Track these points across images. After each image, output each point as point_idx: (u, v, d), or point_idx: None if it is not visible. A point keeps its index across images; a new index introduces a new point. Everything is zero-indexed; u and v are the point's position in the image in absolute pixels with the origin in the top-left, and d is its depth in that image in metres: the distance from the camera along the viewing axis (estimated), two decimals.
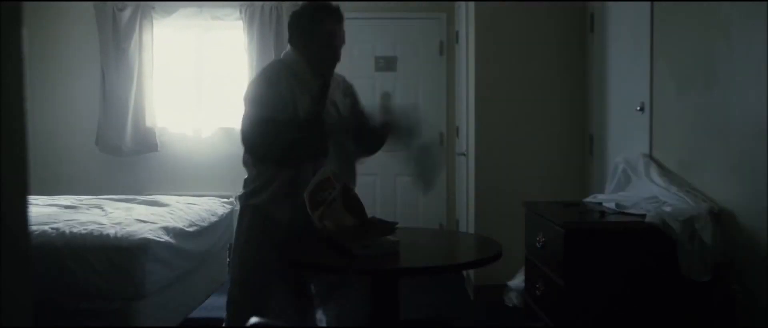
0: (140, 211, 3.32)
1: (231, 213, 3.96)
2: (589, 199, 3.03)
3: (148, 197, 3.95)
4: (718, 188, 2.47)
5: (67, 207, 3.42)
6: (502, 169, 4.11)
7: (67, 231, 2.79)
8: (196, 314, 3.75)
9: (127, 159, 5.44)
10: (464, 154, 4.59)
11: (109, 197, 3.92)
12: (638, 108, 3.13)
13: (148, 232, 2.81)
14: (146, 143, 5.38)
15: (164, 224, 3.03)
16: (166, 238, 2.88)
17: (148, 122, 5.39)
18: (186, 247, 3.14)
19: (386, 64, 5.42)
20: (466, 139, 4.51)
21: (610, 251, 2.44)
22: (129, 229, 2.82)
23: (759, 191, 2.18)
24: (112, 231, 2.78)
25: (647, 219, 2.43)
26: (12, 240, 0.86)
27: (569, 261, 2.44)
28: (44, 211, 3.26)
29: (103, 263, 2.69)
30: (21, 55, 0.89)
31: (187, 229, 3.19)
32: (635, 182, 2.91)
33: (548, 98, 4.10)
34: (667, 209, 2.46)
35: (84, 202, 3.62)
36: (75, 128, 5.50)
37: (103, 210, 3.33)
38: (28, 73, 0.88)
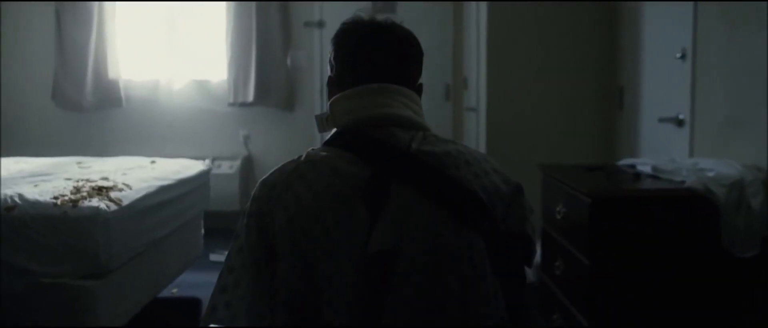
0: (94, 175, 3.21)
1: (206, 175, 3.92)
2: (622, 163, 2.95)
3: (106, 158, 3.85)
4: None
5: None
6: (517, 126, 4.04)
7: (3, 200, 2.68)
8: (167, 292, 3.71)
9: (88, 115, 5.43)
10: (474, 110, 4.52)
11: (60, 158, 3.82)
12: (679, 55, 3.03)
13: (98, 200, 2.71)
14: (109, 97, 5.36)
15: (123, 190, 2.93)
16: (122, 206, 2.78)
17: (111, 74, 5.35)
18: (150, 216, 3.05)
19: (384, 6, 5.35)
20: (476, 92, 4.44)
21: (643, 222, 2.36)
22: (77, 196, 2.72)
23: None
24: (58, 200, 2.67)
25: (687, 185, 2.36)
26: None
27: (596, 235, 2.37)
28: None
29: (48, 237, 2.60)
30: None
31: (152, 194, 3.09)
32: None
33: (571, 44, 4.01)
34: (710, 174, 2.39)
35: (28, 164, 3.53)
36: (27, 81, 5.46)
37: (49, 175, 3.23)
38: None
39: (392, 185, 1.22)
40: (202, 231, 4.03)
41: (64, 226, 2.61)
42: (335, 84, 1.39)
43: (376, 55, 1.36)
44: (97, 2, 5.22)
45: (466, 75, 5.03)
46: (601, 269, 2.37)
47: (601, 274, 2.37)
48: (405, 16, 5.37)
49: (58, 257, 2.62)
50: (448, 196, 1.23)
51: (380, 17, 1.39)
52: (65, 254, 2.62)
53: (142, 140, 5.39)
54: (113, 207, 2.72)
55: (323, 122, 1.38)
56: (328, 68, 1.43)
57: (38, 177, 3.17)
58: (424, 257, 1.20)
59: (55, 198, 2.70)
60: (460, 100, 5.27)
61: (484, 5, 4.12)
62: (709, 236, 2.31)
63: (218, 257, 4.44)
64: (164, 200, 3.21)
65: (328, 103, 1.38)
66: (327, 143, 1.33)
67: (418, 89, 1.42)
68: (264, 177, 1.31)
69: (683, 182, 2.40)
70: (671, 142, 3.12)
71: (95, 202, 2.70)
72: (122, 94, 5.37)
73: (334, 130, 1.36)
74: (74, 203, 2.66)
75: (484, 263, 1.23)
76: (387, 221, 1.19)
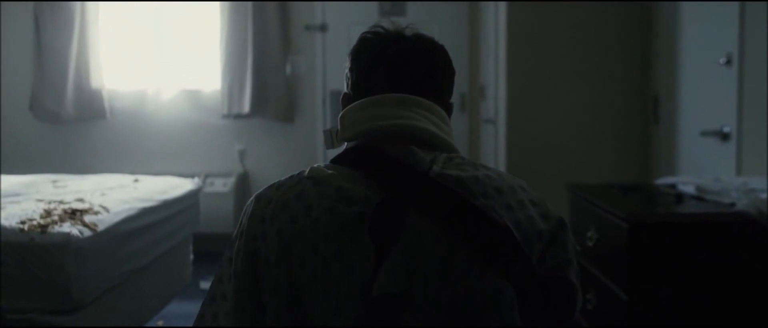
0: (69, 195, 3.18)
1: (195, 195, 3.91)
2: (660, 182, 2.90)
3: (85, 176, 3.84)
4: None
5: None
6: (540, 140, 4.02)
7: None
8: (151, 325, 3.67)
9: (69, 128, 5.44)
10: (492, 122, 4.50)
11: (34, 176, 3.80)
12: (723, 61, 2.98)
13: (71, 225, 2.66)
14: (92, 109, 5.37)
15: (99, 213, 2.89)
16: (98, 231, 2.74)
17: (94, 83, 5.36)
18: (131, 242, 3.02)
19: (393, 7, 5.40)
20: (495, 102, 4.41)
21: (688, 251, 2.28)
22: (46, 220, 2.68)
23: None
24: (25, 225, 2.62)
25: (738, 207, 2.26)
26: None
27: (634, 265, 2.29)
28: None
29: (13, 268, 2.54)
30: None
31: (133, 218, 3.06)
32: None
33: (601, 48, 4.00)
34: (764, 195, 2.29)
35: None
36: (2, 90, 5.44)
37: (19, 195, 3.19)
38: None
39: (405, 214, 1.11)
40: (192, 257, 4.01)
41: (31, 255, 2.56)
42: (350, 100, 1.30)
43: (396, 66, 1.27)
44: (79, 2, 5.22)
45: (483, 83, 5.03)
46: (640, 303, 2.30)
47: (640, 309, 2.29)
48: (415, 17, 5.45)
49: (25, 289, 2.58)
50: (472, 231, 1.11)
51: (408, 31, 1.30)
52: (33, 286, 2.57)
53: (127, 156, 5.38)
54: (87, 233, 2.69)
55: (332, 137, 1.30)
56: (344, 84, 1.34)
57: (7, 198, 3.16)
58: (439, 304, 1.08)
59: (23, 223, 2.67)
60: (477, 110, 5.26)
61: (503, 5, 4.11)
62: (764, 267, 2.22)
63: (209, 284, 4.38)
64: (147, 223, 3.19)
65: (339, 117, 1.29)
66: (334, 160, 1.23)
67: (448, 108, 1.33)
68: (259, 191, 1.22)
69: (733, 204, 2.32)
70: (715, 158, 3.07)
71: (67, 227, 2.66)
72: (106, 105, 5.35)
73: (345, 146, 1.27)
74: (43, 228, 2.62)
75: (512, 314, 1.11)
76: (397, 258, 1.08)
